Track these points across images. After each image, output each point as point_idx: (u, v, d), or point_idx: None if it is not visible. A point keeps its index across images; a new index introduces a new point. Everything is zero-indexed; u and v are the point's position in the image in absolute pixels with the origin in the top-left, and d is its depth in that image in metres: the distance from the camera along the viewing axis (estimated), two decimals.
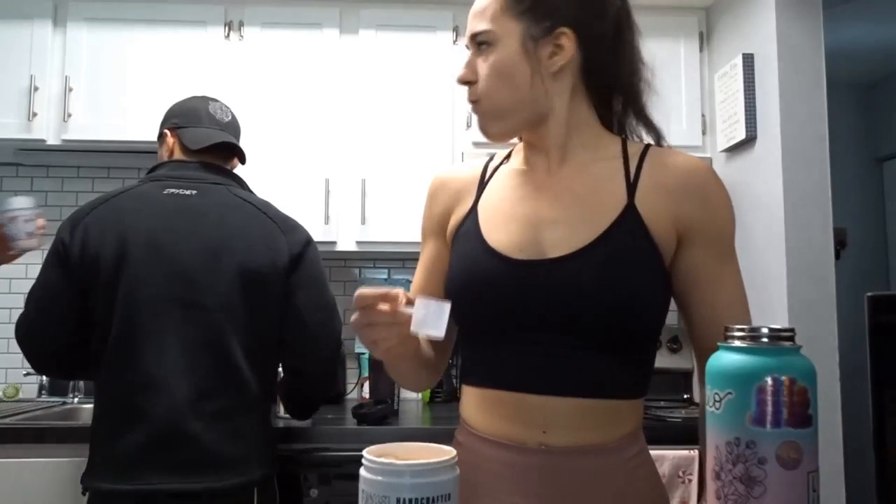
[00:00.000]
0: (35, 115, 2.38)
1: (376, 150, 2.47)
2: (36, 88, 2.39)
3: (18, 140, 2.40)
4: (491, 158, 1.09)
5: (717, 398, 0.62)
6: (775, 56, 2.14)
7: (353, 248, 2.45)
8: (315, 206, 2.42)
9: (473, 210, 1.02)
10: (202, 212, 1.57)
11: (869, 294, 0.94)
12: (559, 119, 0.98)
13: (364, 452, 0.66)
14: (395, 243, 2.43)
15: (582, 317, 0.90)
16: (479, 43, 0.96)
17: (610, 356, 0.91)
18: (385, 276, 2.80)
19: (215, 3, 2.48)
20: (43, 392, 2.60)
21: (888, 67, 3.42)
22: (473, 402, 0.99)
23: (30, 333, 1.60)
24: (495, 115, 0.97)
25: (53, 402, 2.50)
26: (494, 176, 1.05)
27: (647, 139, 1.03)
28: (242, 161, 1.79)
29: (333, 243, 2.43)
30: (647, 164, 0.96)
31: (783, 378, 0.59)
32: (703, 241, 0.94)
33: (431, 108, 2.49)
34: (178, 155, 1.70)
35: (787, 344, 0.62)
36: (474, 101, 0.98)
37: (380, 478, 0.63)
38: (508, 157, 1.08)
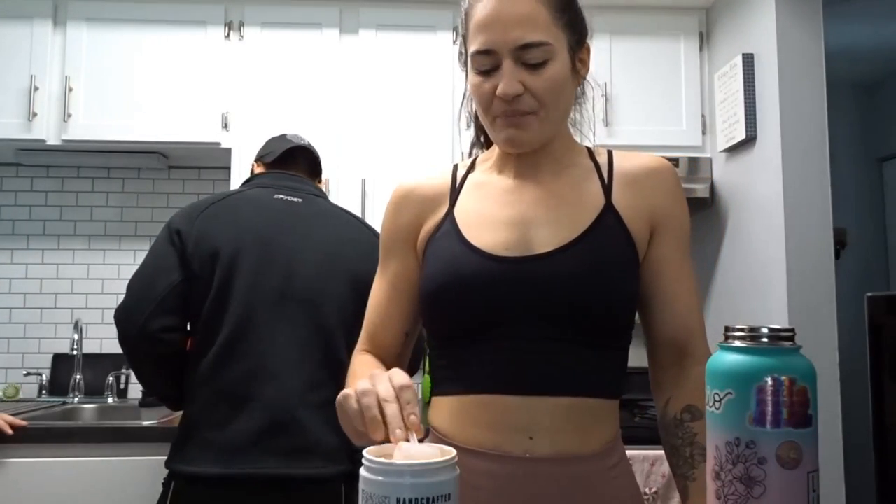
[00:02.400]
0: (35, 115, 2.38)
1: (376, 150, 2.47)
2: (36, 88, 2.39)
3: (18, 140, 2.41)
4: (456, 167, 1.07)
5: (717, 398, 0.62)
6: (775, 56, 2.14)
7: None
8: None
9: (450, 215, 0.99)
10: (311, 218, 1.69)
11: (869, 294, 0.94)
12: (563, 130, 1.02)
13: (364, 452, 0.66)
14: None
15: (571, 307, 0.90)
16: (532, 57, 0.89)
17: (592, 351, 0.92)
18: None
19: (215, 3, 2.48)
20: (43, 392, 2.60)
21: (888, 67, 3.42)
22: (449, 412, 0.95)
23: (128, 316, 1.57)
24: (549, 128, 0.96)
25: (53, 402, 2.50)
26: (466, 183, 1.03)
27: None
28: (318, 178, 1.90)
29: None
30: (617, 166, 1.01)
31: (783, 378, 0.59)
32: (671, 233, 0.99)
33: (431, 108, 2.49)
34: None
35: (787, 344, 0.62)
36: (524, 114, 0.92)
37: (380, 478, 0.63)
38: (473, 165, 1.06)
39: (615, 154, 1.03)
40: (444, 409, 0.96)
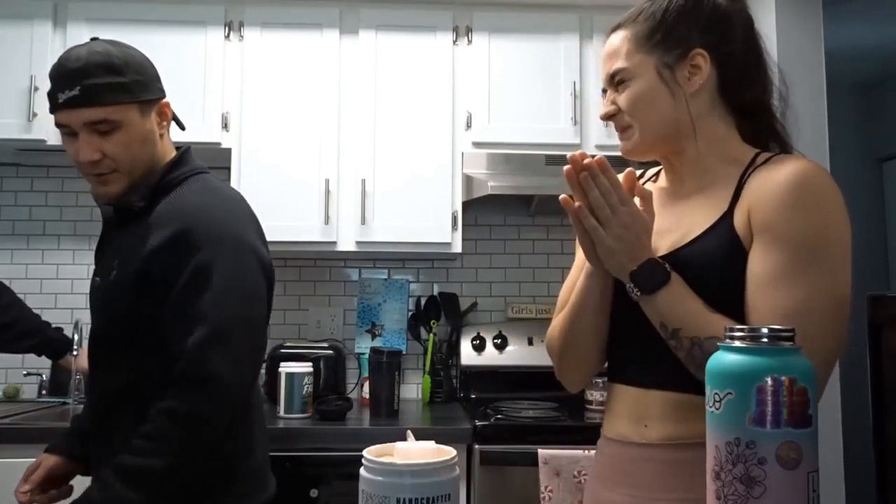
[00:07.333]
0: (35, 115, 2.38)
1: (376, 150, 2.47)
2: (36, 88, 2.39)
3: (18, 140, 2.40)
4: (643, 173, 1.21)
5: (717, 398, 0.62)
6: (775, 56, 2.14)
7: (352, 248, 2.44)
8: (315, 206, 2.42)
9: None
10: None
11: (869, 294, 0.94)
12: (703, 136, 1.05)
13: (364, 452, 0.66)
14: (394, 243, 2.42)
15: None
16: (617, 81, 1.07)
17: None
18: (385, 276, 2.80)
19: (215, 3, 2.48)
20: (43, 392, 2.60)
21: (888, 67, 3.42)
22: (607, 399, 1.14)
23: (245, 377, 1.29)
24: (643, 138, 1.06)
25: (53, 402, 2.50)
26: None
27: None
28: None
29: (333, 243, 2.43)
30: (758, 168, 0.99)
31: (783, 378, 0.60)
32: (763, 238, 0.93)
33: (431, 109, 2.49)
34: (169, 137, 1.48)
35: (787, 344, 0.62)
36: (624, 129, 1.08)
37: (380, 478, 0.63)
38: (657, 174, 1.18)
39: (773, 158, 1.00)
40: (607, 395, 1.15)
